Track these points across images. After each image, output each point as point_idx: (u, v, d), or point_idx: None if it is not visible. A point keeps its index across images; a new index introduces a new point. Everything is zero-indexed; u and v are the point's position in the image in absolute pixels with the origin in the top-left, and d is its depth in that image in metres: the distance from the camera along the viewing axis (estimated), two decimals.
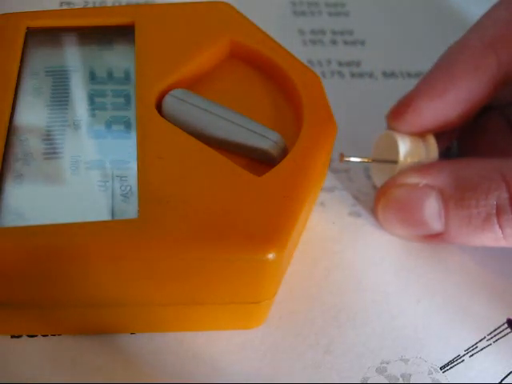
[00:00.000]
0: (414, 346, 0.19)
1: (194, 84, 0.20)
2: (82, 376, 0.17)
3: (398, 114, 0.21)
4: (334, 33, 0.30)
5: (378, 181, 0.23)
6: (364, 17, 0.31)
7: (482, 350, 0.19)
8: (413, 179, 0.20)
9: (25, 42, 0.20)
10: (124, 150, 0.18)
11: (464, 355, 0.19)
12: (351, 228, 0.22)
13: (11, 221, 0.16)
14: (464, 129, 0.23)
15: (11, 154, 0.17)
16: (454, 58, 0.21)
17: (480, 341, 0.19)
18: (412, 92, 0.21)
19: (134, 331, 0.18)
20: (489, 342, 0.19)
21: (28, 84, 0.19)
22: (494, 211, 0.18)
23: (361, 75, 0.28)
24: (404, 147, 0.21)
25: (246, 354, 0.18)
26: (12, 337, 0.18)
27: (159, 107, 0.18)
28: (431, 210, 0.20)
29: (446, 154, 0.23)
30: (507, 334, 0.20)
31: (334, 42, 0.29)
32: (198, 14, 0.21)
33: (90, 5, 0.30)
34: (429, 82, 0.21)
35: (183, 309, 0.17)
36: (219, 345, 0.18)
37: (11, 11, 0.21)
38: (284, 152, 0.18)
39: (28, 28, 0.21)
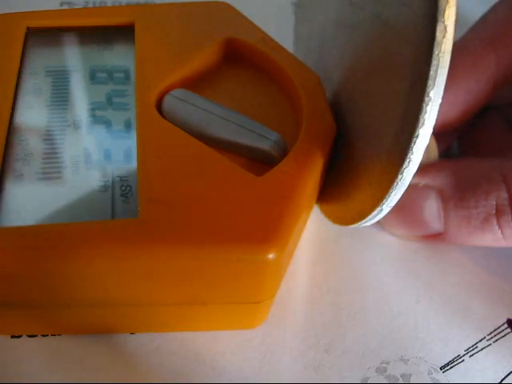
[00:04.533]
0: (414, 346, 0.19)
1: (194, 84, 0.20)
2: (82, 376, 0.17)
3: None
4: None
5: None
6: None
7: (481, 349, 0.19)
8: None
9: (25, 42, 0.20)
10: (124, 150, 0.18)
11: (464, 355, 0.19)
12: (351, 228, 0.22)
13: (11, 221, 0.16)
14: (464, 129, 0.23)
15: (11, 154, 0.17)
16: (453, 57, 0.21)
17: (480, 341, 0.19)
18: None
19: (134, 331, 0.18)
20: (489, 342, 0.19)
21: (28, 84, 0.19)
22: (494, 211, 0.18)
23: None
24: None
25: (246, 354, 0.18)
26: (12, 337, 0.18)
27: (159, 107, 0.18)
28: (431, 210, 0.20)
29: (445, 154, 0.23)
30: (507, 334, 0.20)
31: None
32: (198, 14, 0.21)
33: (90, 5, 0.30)
34: None
35: (183, 309, 0.17)
36: (219, 345, 0.18)
37: (11, 11, 0.21)
38: (284, 152, 0.18)
39: (28, 28, 0.21)
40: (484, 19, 0.21)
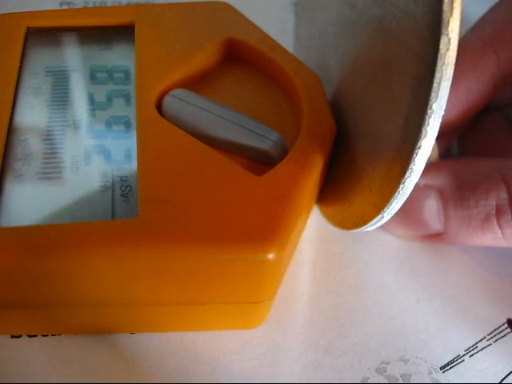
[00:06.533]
0: (414, 346, 0.19)
1: (194, 84, 0.20)
2: (82, 376, 0.17)
3: None
4: None
5: None
6: None
7: (481, 349, 0.19)
8: None
9: (25, 42, 0.20)
10: (124, 150, 0.18)
11: (464, 355, 0.19)
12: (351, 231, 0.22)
13: (11, 221, 0.16)
14: (464, 129, 0.23)
15: (11, 154, 0.17)
16: None
17: (480, 341, 0.19)
18: None
19: (134, 331, 0.18)
20: (489, 342, 0.19)
21: (28, 84, 0.19)
22: (494, 211, 0.18)
23: None
24: None
25: (246, 354, 0.18)
26: (12, 337, 0.18)
27: (159, 107, 0.18)
28: (431, 210, 0.20)
29: (445, 154, 0.23)
30: (507, 334, 0.20)
31: None
32: (198, 14, 0.21)
33: (90, 5, 0.30)
34: None
35: (183, 309, 0.17)
36: (219, 345, 0.18)
37: (11, 11, 0.21)
38: (284, 152, 0.18)
39: (28, 28, 0.21)
40: (484, 19, 0.21)
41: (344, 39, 0.18)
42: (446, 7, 0.13)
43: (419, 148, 0.14)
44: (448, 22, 0.13)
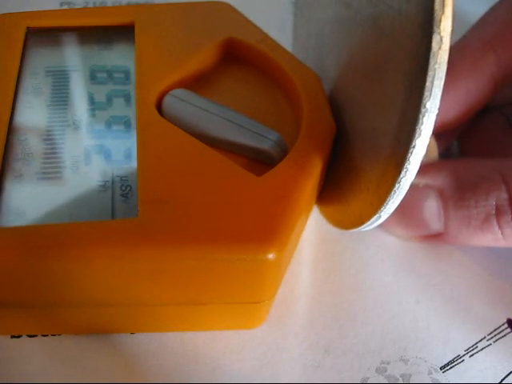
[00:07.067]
0: (414, 346, 0.19)
1: (194, 84, 0.20)
2: (82, 376, 0.17)
3: None
4: None
5: None
6: None
7: (482, 349, 0.19)
8: None
9: (25, 42, 0.20)
10: (124, 150, 0.18)
11: (464, 355, 0.19)
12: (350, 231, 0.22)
13: (11, 221, 0.16)
14: (464, 129, 0.23)
15: (11, 154, 0.17)
16: (453, 57, 0.21)
17: (480, 341, 0.19)
18: None
19: (134, 331, 0.18)
20: (489, 342, 0.19)
21: (28, 84, 0.19)
22: (494, 212, 0.18)
23: None
24: None
25: (246, 354, 0.18)
26: (12, 337, 0.18)
27: (159, 107, 0.18)
28: (431, 210, 0.20)
29: (445, 154, 0.23)
30: (507, 334, 0.20)
31: None
32: (198, 14, 0.21)
33: (90, 5, 0.30)
34: None
35: (183, 309, 0.17)
36: (219, 345, 0.18)
37: (11, 11, 0.21)
38: (284, 152, 0.18)
39: (28, 28, 0.21)
40: (484, 19, 0.21)
41: (340, 38, 0.18)
42: (437, 6, 0.13)
43: (414, 147, 0.14)
44: (440, 21, 0.13)
